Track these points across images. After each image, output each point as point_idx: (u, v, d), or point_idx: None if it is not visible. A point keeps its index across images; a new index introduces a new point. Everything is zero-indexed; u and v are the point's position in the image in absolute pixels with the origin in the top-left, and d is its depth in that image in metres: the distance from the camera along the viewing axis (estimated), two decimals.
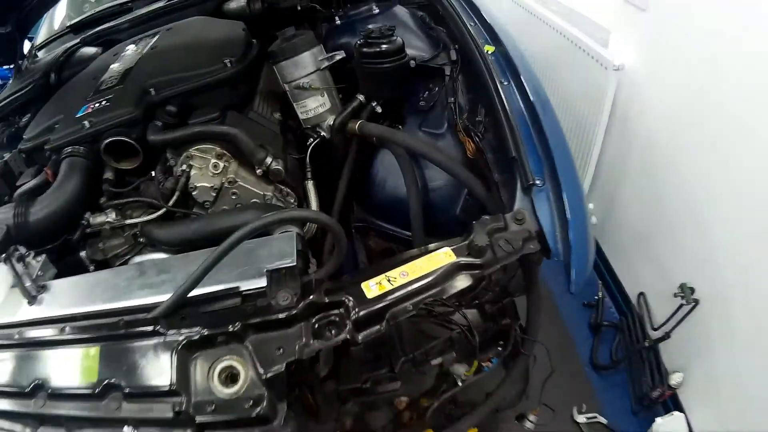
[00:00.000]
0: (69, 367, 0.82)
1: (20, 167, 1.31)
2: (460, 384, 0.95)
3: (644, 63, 1.32)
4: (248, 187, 1.03)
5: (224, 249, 0.74)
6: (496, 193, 0.99)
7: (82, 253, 1.12)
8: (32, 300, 0.96)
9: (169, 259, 0.92)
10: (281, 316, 0.73)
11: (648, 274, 1.50)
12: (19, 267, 0.97)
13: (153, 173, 1.11)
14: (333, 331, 0.73)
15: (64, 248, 1.11)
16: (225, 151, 1.03)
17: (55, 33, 1.67)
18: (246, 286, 0.78)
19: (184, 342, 0.73)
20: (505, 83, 1.04)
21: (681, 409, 1.41)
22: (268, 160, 1.02)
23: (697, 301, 1.28)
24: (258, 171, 1.03)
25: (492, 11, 1.27)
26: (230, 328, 0.73)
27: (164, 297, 0.80)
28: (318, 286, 0.76)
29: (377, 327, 0.74)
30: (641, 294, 1.51)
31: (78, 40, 1.49)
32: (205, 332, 0.73)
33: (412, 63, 1.12)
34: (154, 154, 1.12)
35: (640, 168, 1.43)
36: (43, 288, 0.99)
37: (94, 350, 0.81)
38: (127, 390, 0.72)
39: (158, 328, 0.76)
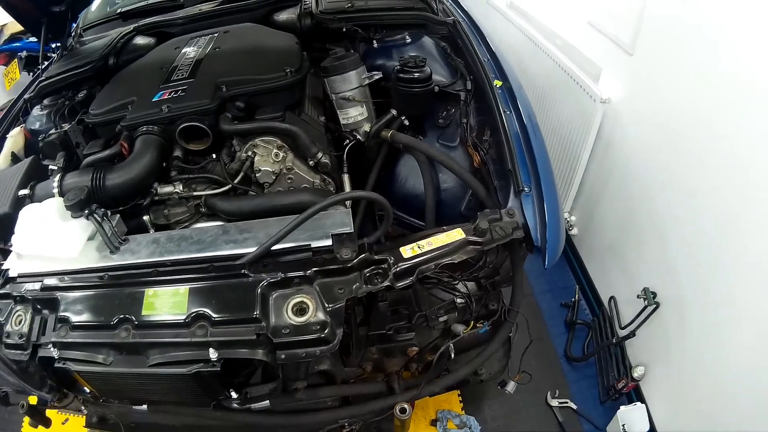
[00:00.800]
0: (158, 303, 1.41)
1: (77, 138, 1.91)
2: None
3: (628, 99, 2.06)
4: (302, 174, 1.68)
5: (308, 215, 1.39)
6: (494, 195, 1.68)
7: (146, 218, 1.74)
8: (115, 250, 1.57)
9: (250, 222, 1.55)
10: (343, 265, 1.38)
11: (618, 280, 2.23)
12: (101, 222, 1.58)
13: (217, 156, 1.75)
14: (379, 279, 1.39)
15: (131, 212, 1.72)
16: (284, 144, 1.69)
17: (104, 17, 2.28)
18: (315, 244, 1.42)
19: (267, 282, 1.36)
20: (507, 113, 1.75)
21: (643, 400, 2.13)
22: (320, 154, 1.68)
23: (658, 304, 2.00)
24: (310, 162, 1.68)
25: (500, 36, 1.99)
26: (304, 273, 1.37)
27: (247, 250, 1.43)
28: (369, 247, 1.42)
29: (410, 279, 1.39)
30: (612, 297, 2.24)
31: (131, 28, 2.12)
32: (284, 275, 1.37)
33: (436, 88, 1.82)
34: (219, 140, 1.76)
35: (617, 188, 2.17)
36: (125, 240, 1.60)
37: (183, 289, 1.41)
38: (214, 318, 1.32)
39: (245, 271, 1.39)
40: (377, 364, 1.63)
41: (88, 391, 1.71)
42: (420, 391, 1.56)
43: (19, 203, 1.78)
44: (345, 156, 1.80)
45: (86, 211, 1.58)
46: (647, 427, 2.06)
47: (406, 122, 1.82)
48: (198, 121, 1.69)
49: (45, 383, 1.73)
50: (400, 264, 1.38)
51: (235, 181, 1.66)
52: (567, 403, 2.17)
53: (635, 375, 2.10)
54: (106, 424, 1.84)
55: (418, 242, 1.44)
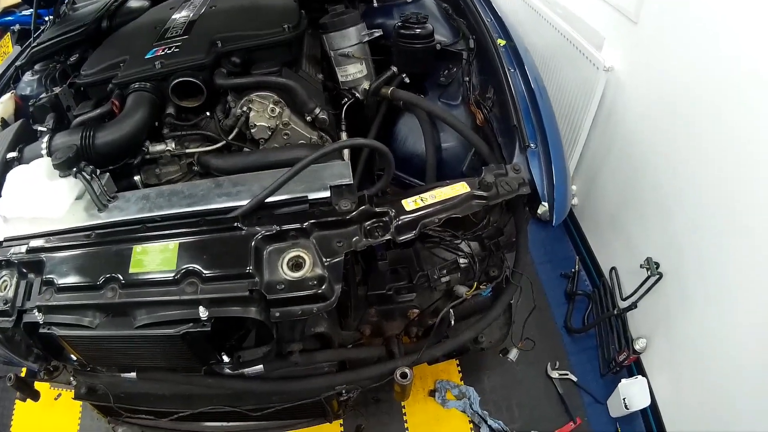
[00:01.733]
0: (146, 260, 1.25)
1: (68, 101, 1.76)
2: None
3: (631, 69, 1.93)
4: (298, 130, 1.54)
5: (305, 164, 1.25)
6: (498, 153, 1.55)
7: (137, 178, 1.59)
8: (103, 207, 1.43)
9: (244, 175, 1.40)
10: (342, 218, 1.24)
11: (619, 251, 2.10)
12: (90, 180, 1.43)
13: (211, 113, 1.60)
14: (380, 233, 1.25)
15: (122, 172, 1.58)
16: (281, 99, 1.54)
17: None
18: (313, 195, 1.28)
19: (261, 236, 1.22)
20: (512, 70, 1.62)
21: (644, 374, 1.99)
22: (317, 110, 1.53)
23: (661, 275, 1.87)
24: (308, 118, 1.54)
25: (501, 6, 1.87)
26: (300, 225, 1.22)
27: (241, 203, 1.29)
28: (370, 199, 1.27)
29: (412, 233, 1.25)
30: (613, 268, 2.10)
31: None
32: (279, 228, 1.22)
33: (438, 46, 1.68)
34: (213, 97, 1.61)
35: (619, 157, 2.04)
36: (114, 197, 1.45)
37: (173, 244, 1.26)
38: (205, 274, 1.16)
39: (238, 224, 1.25)
40: (376, 328, 1.48)
41: (74, 359, 1.55)
42: (421, 355, 1.41)
43: (7, 167, 1.63)
44: (343, 114, 1.66)
45: (74, 170, 1.44)
46: (648, 401, 1.92)
47: (407, 80, 1.68)
48: (192, 77, 1.55)
49: (31, 352, 1.58)
50: (402, 217, 1.24)
51: (230, 137, 1.51)
52: (567, 375, 2.04)
53: (637, 347, 1.97)
54: (95, 395, 1.68)
55: (421, 195, 1.31)
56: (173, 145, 1.54)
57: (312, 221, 1.22)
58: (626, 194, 2.03)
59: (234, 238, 1.22)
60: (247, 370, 1.38)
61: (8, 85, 2.09)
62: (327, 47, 1.69)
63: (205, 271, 1.17)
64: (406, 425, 1.99)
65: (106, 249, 1.34)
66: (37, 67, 1.99)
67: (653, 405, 1.94)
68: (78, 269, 1.32)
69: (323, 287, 1.15)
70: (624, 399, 1.93)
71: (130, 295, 1.22)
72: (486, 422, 1.93)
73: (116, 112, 1.60)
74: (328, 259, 1.19)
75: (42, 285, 1.33)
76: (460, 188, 1.33)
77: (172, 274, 1.19)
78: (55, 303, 1.28)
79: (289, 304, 1.17)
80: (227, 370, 1.39)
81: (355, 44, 1.66)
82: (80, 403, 2.21)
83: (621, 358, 1.99)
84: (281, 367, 1.37)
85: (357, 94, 1.70)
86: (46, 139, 1.58)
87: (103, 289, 1.25)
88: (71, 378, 1.74)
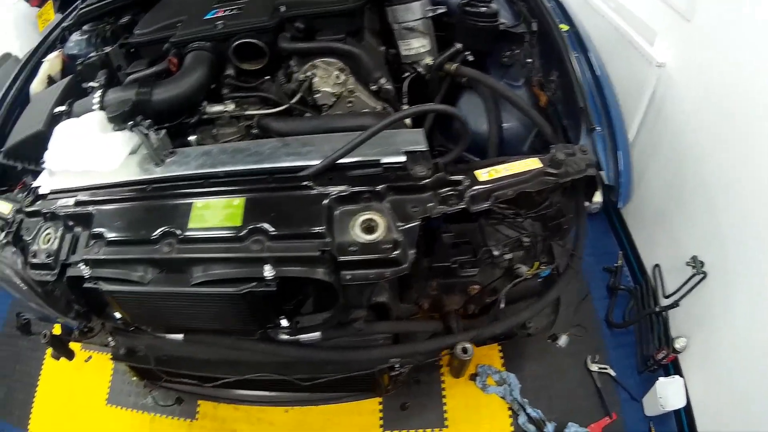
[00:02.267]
0: (208, 215, 1.17)
1: (118, 60, 1.70)
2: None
3: (683, 66, 1.87)
4: (363, 99, 1.47)
5: (382, 126, 1.18)
6: (561, 134, 1.50)
7: (192, 137, 1.52)
8: (160, 162, 1.35)
9: (312, 136, 1.33)
10: (417, 183, 1.17)
11: (664, 248, 2.03)
12: (147, 134, 1.36)
13: (271, 77, 1.54)
14: (454, 201, 1.18)
15: (176, 131, 1.51)
16: (346, 66, 1.48)
17: None
18: (386, 159, 1.22)
19: (335, 195, 1.15)
20: (576, 55, 1.57)
21: (680, 374, 1.93)
22: (382, 80, 1.47)
23: (705, 274, 1.81)
24: (372, 88, 1.48)
25: None
26: (374, 188, 1.16)
27: (310, 163, 1.22)
28: (444, 167, 1.21)
29: (486, 204, 1.19)
30: (656, 265, 2.05)
31: None
32: (353, 189, 1.16)
33: (502, 26, 1.63)
34: (273, 62, 1.55)
35: (667, 154, 1.98)
36: (172, 153, 1.38)
37: (238, 200, 1.18)
38: (272, 232, 1.09)
39: (309, 183, 1.18)
40: (435, 302, 1.41)
41: (118, 317, 1.47)
42: (482, 330, 1.35)
43: (54, 121, 1.57)
44: (405, 88, 1.60)
45: (130, 123, 1.37)
46: (684, 401, 1.86)
47: (470, 58, 1.62)
48: (255, 39, 1.48)
49: (71, 308, 1.49)
50: (476, 187, 1.18)
51: (292, 101, 1.45)
52: (606, 369, 1.97)
53: (677, 346, 1.90)
54: (135, 356, 1.61)
55: (494, 167, 1.25)
56: (232, 106, 1.48)
57: (386, 185, 1.15)
58: (673, 191, 1.97)
59: (305, 197, 1.16)
60: (304, 337, 1.31)
61: (54, 46, 2.03)
62: (390, 20, 1.63)
63: (272, 229, 1.11)
64: (444, 408, 1.92)
65: (163, 203, 1.27)
66: (85, 27, 1.94)
67: (687, 405, 1.88)
68: (131, 223, 1.25)
69: (397, 252, 1.08)
70: (660, 398, 1.86)
71: (188, 250, 1.15)
72: (525, 410, 1.86)
73: (173, 71, 1.54)
74: (402, 224, 1.12)
75: (90, 239, 1.26)
76: (532, 163, 1.28)
77: (237, 231, 1.12)
78: (104, 257, 1.21)
79: (360, 267, 1.10)
80: (283, 336, 1.32)
81: (420, 18, 1.61)
82: (111, 365, 2.14)
83: (659, 357, 1.92)
84: (340, 336, 1.30)
85: (419, 69, 1.64)
86: (98, 93, 1.52)
87: (159, 244, 1.17)
88: (109, 338, 1.67)
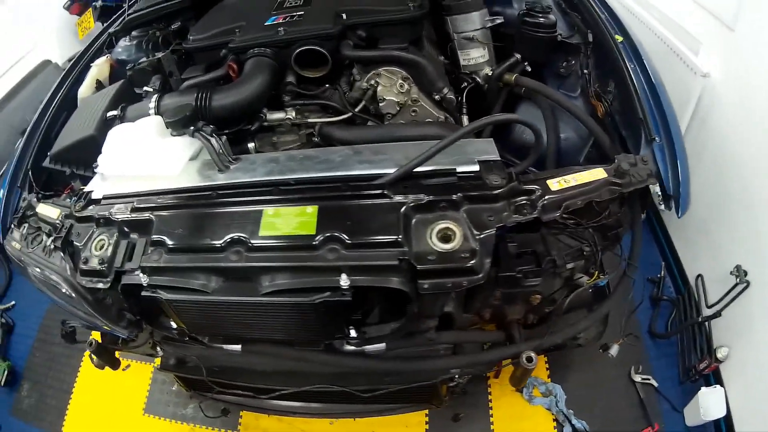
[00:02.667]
0: (279, 223, 1.13)
1: (170, 66, 1.66)
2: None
3: (727, 76, 1.85)
4: (427, 108, 1.45)
5: (460, 134, 1.16)
6: (618, 145, 1.48)
7: (250, 145, 1.49)
8: (224, 168, 1.32)
9: (385, 144, 1.29)
10: (492, 192, 1.14)
11: (706, 258, 2.01)
12: (211, 139, 1.33)
13: (332, 85, 1.51)
14: (527, 210, 1.16)
15: (235, 138, 1.48)
16: (409, 76, 1.46)
17: None
18: (461, 169, 1.19)
19: (412, 204, 1.11)
20: (632, 66, 1.55)
21: (720, 384, 1.90)
22: (446, 90, 1.45)
23: (748, 283, 1.78)
24: (436, 97, 1.46)
25: None
26: (451, 197, 1.13)
27: (384, 171, 1.18)
28: (517, 177, 1.19)
29: (557, 213, 1.17)
30: (699, 275, 2.03)
31: None
32: (430, 199, 1.12)
33: (559, 37, 1.61)
34: (334, 70, 1.52)
35: (710, 165, 1.96)
36: (236, 159, 1.35)
37: (311, 208, 1.15)
38: (348, 240, 1.06)
39: (386, 192, 1.15)
40: (496, 312, 1.38)
41: (173, 326, 1.43)
42: (545, 340, 1.32)
43: (106, 126, 1.53)
44: (464, 98, 1.57)
45: (191, 129, 1.34)
46: (724, 411, 1.82)
47: (528, 68, 1.60)
48: (318, 46, 1.45)
49: (122, 317, 1.45)
50: (547, 196, 1.16)
51: (356, 109, 1.42)
52: (649, 379, 1.94)
53: (719, 356, 1.87)
54: (185, 367, 1.56)
55: (563, 177, 1.22)
56: (293, 114, 1.45)
57: (462, 194, 1.12)
58: (716, 201, 1.95)
59: (380, 205, 1.13)
60: (369, 348, 1.27)
61: (101, 51, 1.99)
62: (450, 29, 1.61)
63: (348, 238, 1.07)
64: (491, 419, 1.88)
65: (230, 210, 1.23)
66: (134, 33, 1.91)
67: (727, 415, 1.85)
68: (195, 230, 1.21)
69: (474, 261, 1.05)
70: (701, 408, 1.83)
71: (258, 259, 1.11)
72: (570, 422, 1.83)
73: (233, 77, 1.51)
74: (478, 233, 1.09)
75: (148, 246, 1.22)
76: (598, 173, 1.25)
77: (311, 239, 1.09)
78: (164, 264, 1.17)
79: (437, 277, 1.07)
80: (347, 347, 1.29)
81: (479, 29, 1.59)
82: (150, 375, 2.08)
83: (701, 367, 1.89)
84: (407, 346, 1.26)
85: (477, 79, 1.62)
86: (154, 98, 1.48)
87: (226, 252, 1.13)
88: (157, 348, 1.63)
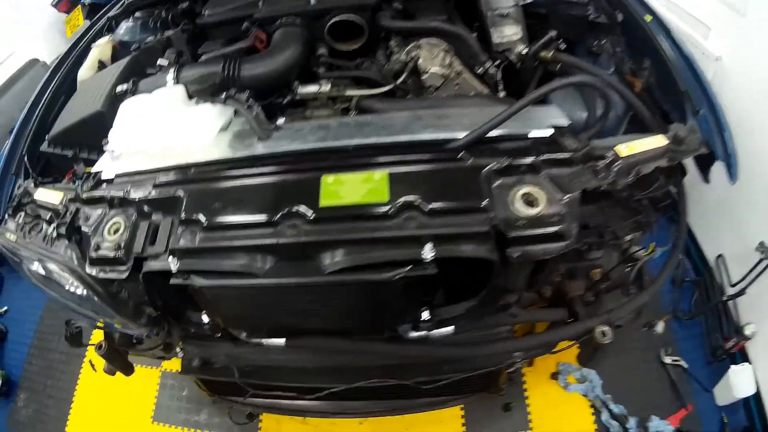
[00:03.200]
0: (343, 191, 0.99)
1: (180, 45, 1.51)
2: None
3: (737, 60, 1.89)
4: (470, 81, 1.36)
5: (534, 98, 1.07)
6: (660, 118, 1.45)
7: (280, 120, 1.35)
8: (265, 137, 1.17)
9: (446, 109, 1.18)
10: (570, 156, 1.06)
11: (726, 237, 2.00)
12: (250, 105, 1.18)
13: (366, 57, 1.40)
14: (602, 175, 1.08)
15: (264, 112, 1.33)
16: (451, 48, 1.36)
17: None
18: (534, 133, 1.10)
19: (493, 168, 1.01)
20: (665, 42, 1.53)
21: (748, 361, 1.88)
22: (488, 63, 1.37)
23: None
24: (479, 71, 1.37)
25: None
26: (530, 160, 1.03)
27: (453, 135, 1.07)
28: (588, 141, 1.11)
29: (629, 178, 1.10)
30: (719, 255, 2.02)
31: None
32: (509, 162, 1.01)
33: (590, 16, 1.57)
34: (369, 43, 1.41)
35: None
36: (277, 127, 1.20)
37: (380, 174, 1.01)
38: (429, 207, 0.94)
39: (462, 156, 1.04)
40: (557, 289, 1.28)
41: (204, 321, 1.24)
42: (611, 314, 1.23)
43: (114, 102, 1.35)
44: (499, 75, 1.49)
45: (222, 96, 1.19)
46: (753, 388, 1.81)
47: (563, 46, 1.55)
48: (351, 17, 1.34)
49: (141, 313, 1.25)
50: (621, 160, 1.07)
51: (398, 81, 1.31)
52: (679, 361, 1.90)
53: (747, 333, 1.85)
54: (211, 368, 1.37)
55: (629, 143, 1.15)
56: (328, 87, 1.32)
57: (541, 157, 1.03)
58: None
59: (458, 169, 1.01)
60: (435, 333, 1.15)
61: (101, 34, 1.79)
62: (482, 7, 1.53)
63: (428, 204, 0.95)
64: (528, 408, 1.77)
65: (279, 180, 1.07)
66: (138, 14, 1.73)
67: (757, 392, 1.83)
68: (237, 205, 1.03)
69: (562, 226, 0.95)
70: (732, 386, 1.81)
71: (321, 232, 0.95)
72: (608, 407, 1.75)
73: (259, 48, 1.37)
74: (562, 196, 0.99)
75: (177, 226, 1.03)
76: (659, 140, 1.20)
77: (385, 207, 0.95)
78: (200, 245, 0.98)
79: (527, 244, 0.95)
80: (411, 333, 1.15)
81: (513, 6, 1.52)
82: (158, 380, 1.85)
83: (729, 345, 1.87)
84: (478, 328, 1.14)
85: (511, 57, 1.54)
86: (173, 69, 1.32)
87: (280, 226, 0.97)
88: (178, 348, 1.43)
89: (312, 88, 1.33)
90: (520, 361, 1.28)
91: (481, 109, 1.11)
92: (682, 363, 1.90)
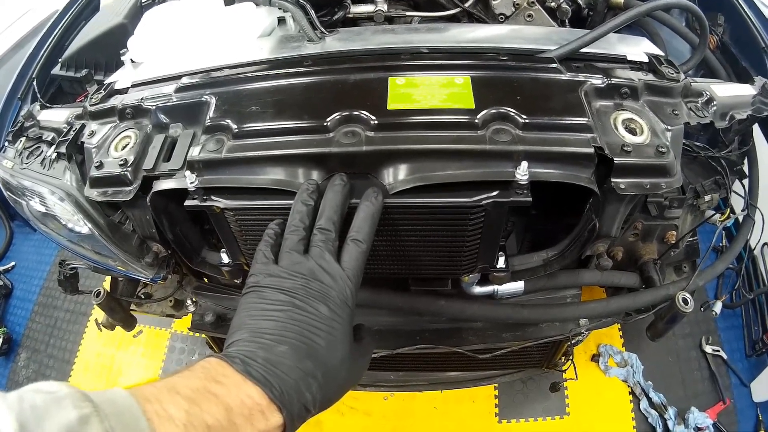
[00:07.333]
0: (417, 95, 0.77)
1: None
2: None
3: None
4: (543, 14, 1.16)
5: (631, 16, 0.88)
6: (734, 77, 1.27)
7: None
8: (317, 39, 0.96)
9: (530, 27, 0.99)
10: (671, 84, 0.86)
11: None
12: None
13: None
14: (702, 113, 0.87)
15: None
16: None
17: None
18: (632, 57, 0.90)
19: (593, 85, 0.80)
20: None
21: None
22: None
23: None
24: (551, 4, 1.17)
25: None
26: (633, 82, 0.83)
27: (540, 47, 0.88)
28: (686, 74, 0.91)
29: (725, 122, 0.89)
30: (766, 244, 1.84)
31: None
32: (610, 81, 0.80)
33: None
34: None
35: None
36: (332, 31, 0.99)
37: (462, 78, 0.79)
38: (525, 119, 0.72)
39: (558, 66, 0.83)
40: (629, 251, 1.08)
41: (224, 261, 0.97)
42: (692, 281, 1.03)
43: (139, 14, 1.12)
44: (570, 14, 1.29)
45: None
46: None
47: None
48: None
49: (147, 250, 0.98)
50: (715, 102, 0.88)
51: (467, 4, 1.11)
52: (719, 351, 1.70)
53: None
54: (225, 324, 1.13)
55: (722, 85, 0.96)
56: (385, 6, 1.11)
57: (643, 80, 0.83)
58: None
59: (554, 81, 0.80)
60: (503, 289, 0.93)
61: None
62: None
63: (523, 116, 0.73)
64: (566, 392, 1.56)
65: (333, 80, 0.82)
66: None
67: None
68: (279, 107, 0.78)
69: (669, 159, 0.74)
70: None
71: (388, 140, 0.70)
72: (647, 395, 1.54)
73: None
74: (665, 128, 0.79)
75: (202, 133, 0.78)
76: (747, 89, 1.01)
77: (469, 115, 0.73)
78: (227, 155, 0.72)
79: (634, 176, 0.74)
80: (476, 289, 0.93)
81: None
82: (166, 343, 1.59)
83: None
84: (552, 286, 0.93)
85: (579, 1, 1.35)
86: None
87: (334, 132, 0.73)
88: (189, 301, 1.19)
89: (368, 7, 1.12)
90: (586, 330, 1.06)
91: (568, 30, 0.89)
92: (722, 354, 1.70)
